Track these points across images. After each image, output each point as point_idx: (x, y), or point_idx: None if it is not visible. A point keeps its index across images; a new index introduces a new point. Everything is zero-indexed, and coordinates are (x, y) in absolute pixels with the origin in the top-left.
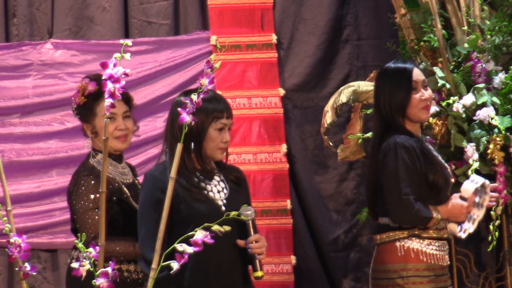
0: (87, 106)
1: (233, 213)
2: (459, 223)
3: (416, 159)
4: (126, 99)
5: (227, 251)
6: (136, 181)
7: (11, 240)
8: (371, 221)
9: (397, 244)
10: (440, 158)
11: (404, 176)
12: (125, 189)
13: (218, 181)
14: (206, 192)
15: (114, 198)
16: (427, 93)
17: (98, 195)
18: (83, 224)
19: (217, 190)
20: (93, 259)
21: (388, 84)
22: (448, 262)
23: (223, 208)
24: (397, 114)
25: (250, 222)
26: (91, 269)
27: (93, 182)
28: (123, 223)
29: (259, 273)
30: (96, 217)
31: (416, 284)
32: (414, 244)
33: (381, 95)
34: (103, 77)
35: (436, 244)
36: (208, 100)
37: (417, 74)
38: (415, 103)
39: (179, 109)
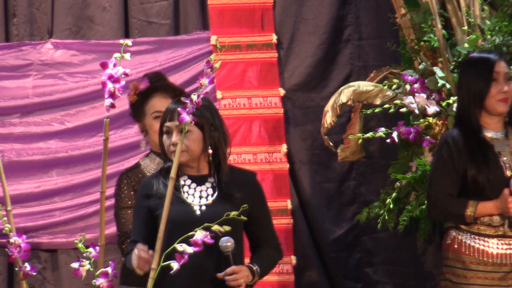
0: (137, 104)
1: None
2: None
3: (457, 156)
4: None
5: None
6: None
7: (11, 240)
8: (371, 221)
9: (449, 231)
10: (504, 157)
11: (439, 173)
12: None
13: (208, 187)
14: (186, 195)
15: None
16: (508, 87)
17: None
18: (116, 223)
19: (200, 195)
20: (93, 259)
21: (469, 73)
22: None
23: (198, 212)
24: (474, 104)
25: (230, 254)
26: (91, 269)
27: (125, 181)
28: None
29: None
30: (126, 216)
31: (455, 276)
32: (459, 234)
33: (461, 84)
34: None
35: (487, 240)
36: None
37: (501, 66)
38: (493, 93)
39: (179, 109)
